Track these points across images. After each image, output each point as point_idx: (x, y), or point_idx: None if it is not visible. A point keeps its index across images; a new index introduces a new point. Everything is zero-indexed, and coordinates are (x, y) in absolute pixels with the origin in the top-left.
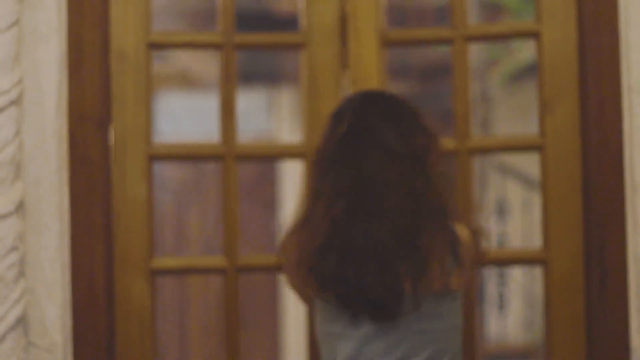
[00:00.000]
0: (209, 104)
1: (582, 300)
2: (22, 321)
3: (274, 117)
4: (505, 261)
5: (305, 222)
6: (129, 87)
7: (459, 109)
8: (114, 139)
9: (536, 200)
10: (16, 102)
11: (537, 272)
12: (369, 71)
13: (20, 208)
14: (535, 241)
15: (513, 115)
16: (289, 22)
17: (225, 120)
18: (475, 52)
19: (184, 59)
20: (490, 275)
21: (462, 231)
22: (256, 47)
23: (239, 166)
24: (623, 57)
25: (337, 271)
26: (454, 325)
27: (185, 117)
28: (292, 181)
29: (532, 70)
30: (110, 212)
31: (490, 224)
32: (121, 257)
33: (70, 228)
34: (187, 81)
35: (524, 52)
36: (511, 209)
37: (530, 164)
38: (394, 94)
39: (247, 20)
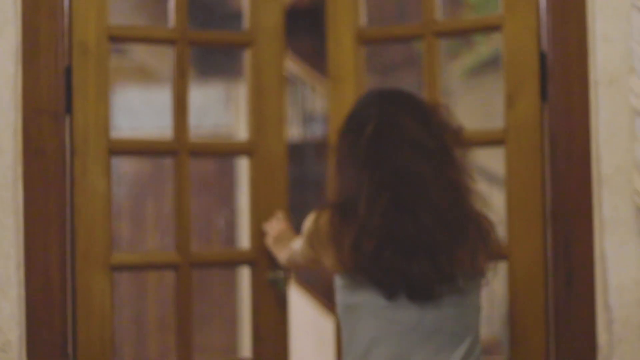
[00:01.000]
0: (166, 98)
1: (546, 298)
2: None
3: (232, 112)
4: None
5: (346, 211)
6: (91, 79)
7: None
8: (76, 132)
9: (497, 195)
10: None
11: (498, 268)
12: (346, 69)
13: None
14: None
15: (474, 110)
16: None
17: (178, 116)
18: None
19: (141, 53)
20: None
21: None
22: (207, 44)
23: (199, 160)
24: (590, 49)
25: (391, 260)
26: (480, 305)
27: (142, 111)
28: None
29: (493, 64)
30: (66, 207)
31: None
32: (82, 253)
33: (25, 223)
34: (144, 75)
35: (485, 45)
36: None
37: (491, 159)
38: (410, 92)
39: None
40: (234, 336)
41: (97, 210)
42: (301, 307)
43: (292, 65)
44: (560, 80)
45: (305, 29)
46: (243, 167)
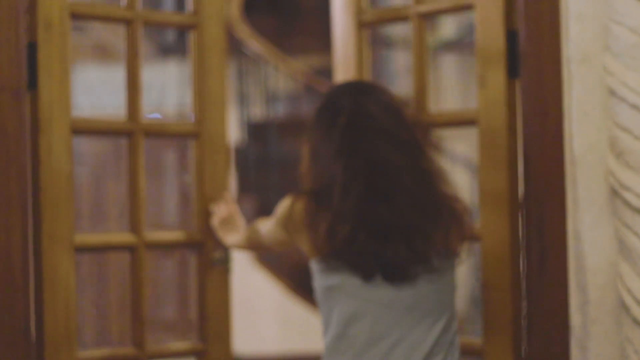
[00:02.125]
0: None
1: (518, 279)
2: None
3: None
4: None
5: (321, 198)
6: (55, 56)
7: (417, 84)
8: (41, 110)
9: (458, 176)
10: None
11: (472, 249)
12: (349, 54)
13: None
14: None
15: (435, 91)
16: None
17: (132, 96)
18: (400, 29)
19: (101, 31)
20: None
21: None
22: (158, 25)
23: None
24: (563, 27)
25: (365, 243)
26: (455, 285)
27: (102, 90)
28: None
29: (454, 46)
30: (27, 187)
31: None
32: (48, 234)
33: None
34: (104, 53)
35: (445, 28)
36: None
37: (450, 139)
38: (381, 85)
39: None
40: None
41: (62, 191)
42: (266, 289)
43: (255, 44)
44: (532, 58)
45: (267, 8)
46: None
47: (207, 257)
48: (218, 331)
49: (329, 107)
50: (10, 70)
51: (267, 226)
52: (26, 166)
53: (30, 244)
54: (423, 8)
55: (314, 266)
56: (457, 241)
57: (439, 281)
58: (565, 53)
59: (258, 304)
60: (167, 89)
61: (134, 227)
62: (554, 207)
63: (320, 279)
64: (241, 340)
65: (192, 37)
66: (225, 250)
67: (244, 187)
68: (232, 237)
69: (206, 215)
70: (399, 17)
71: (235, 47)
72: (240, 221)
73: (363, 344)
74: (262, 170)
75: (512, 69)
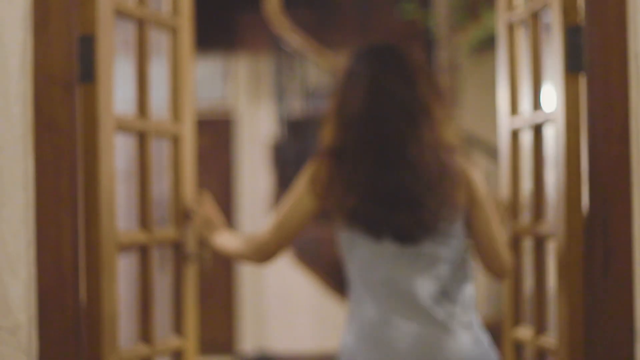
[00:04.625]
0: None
1: (583, 280)
2: None
3: (230, 85)
4: None
5: (336, 163)
6: (109, 50)
7: None
8: (100, 104)
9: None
10: None
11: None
12: None
13: None
14: None
15: (482, 85)
16: None
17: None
18: (442, 18)
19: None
20: None
21: (474, 172)
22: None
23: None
24: (630, 22)
25: (373, 212)
26: (462, 241)
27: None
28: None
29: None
30: (77, 182)
31: None
32: (101, 230)
33: (36, 199)
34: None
35: (492, 20)
36: None
37: (495, 134)
38: (400, 49)
39: None
40: (230, 312)
41: (112, 188)
42: (303, 287)
43: (294, 39)
44: (598, 54)
45: (306, 2)
46: (241, 142)
47: (183, 253)
48: (194, 326)
49: (348, 73)
50: (61, 63)
51: (283, 210)
52: (77, 161)
53: (81, 240)
54: None
55: (335, 226)
56: (461, 205)
57: (444, 241)
58: (632, 48)
59: (295, 301)
60: (205, 83)
61: (145, 224)
62: (619, 207)
63: (340, 233)
64: (278, 338)
65: (170, 38)
66: (204, 248)
67: (283, 183)
68: (222, 238)
69: (184, 213)
70: None
71: (273, 42)
72: (222, 220)
73: (378, 285)
74: (301, 166)
75: (574, 64)
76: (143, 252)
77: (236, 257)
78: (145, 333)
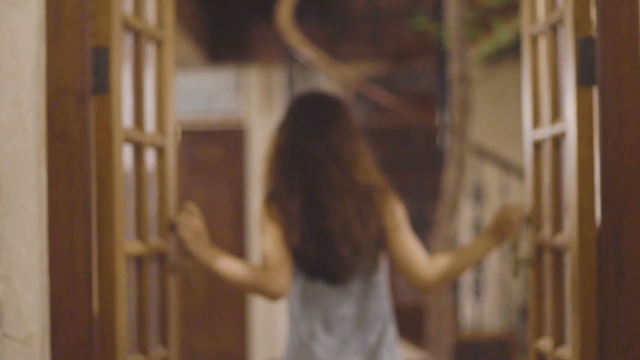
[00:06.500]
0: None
1: (596, 292)
2: None
3: (242, 97)
4: None
5: (279, 206)
6: (120, 61)
7: None
8: (114, 115)
9: (513, 185)
10: None
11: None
12: None
13: None
14: None
15: (493, 97)
16: None
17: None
18: (454, 31)
19: None
20: None
21: (388, 202)
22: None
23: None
24: None
25: (310, 254)
26: (379, 280)
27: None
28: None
29: (512, 51)
30: (91, 193)
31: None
32: (118, 242)
33: (49, 210)
34: None
35: (503, 32)
36: (488, 193)
37: (507, 147)
38: (322, 97)
39: None
40: (243, 324)
41: (122, 198)
42: None
43: (305, 51)
44: (610, 65)
45: (317, 14)
46: (253, 153)
47: (168, 264)
48: (177, 336)
49: (281, 125)
50: (75, 74)
51: (264, 244)
52: (90, 171)
53: (94, 250)
54: None
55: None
56: (377, 238)
57: (362, 279)
58: None
59: None
60: (217, 95)
61: (141, 235)
62: (632, 219)
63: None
64: None
65: (157, 50)
66: (187, 259)
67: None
68: (226, 264)
69: (168, 225)
70: None
71: (285, 54)
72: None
73: (319, 321)
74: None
75: (586, 76)
76: (139, 263)
77: (242, 285)
78: (142, 344)
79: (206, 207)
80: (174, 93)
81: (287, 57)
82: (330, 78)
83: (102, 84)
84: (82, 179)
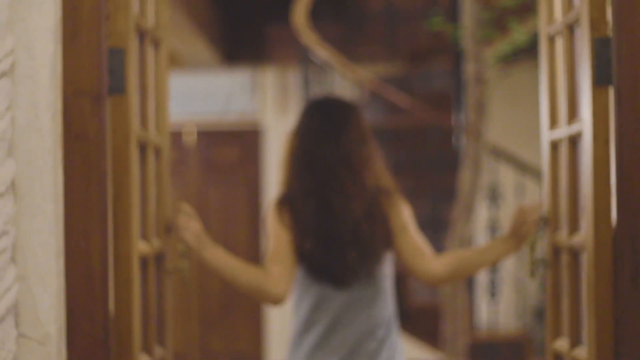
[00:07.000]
0: (192, 84)
1: (612, 292)
2: (12, 311)
3: (258, 98)
4: None
5: (292, 209)
6: (136, 62)
7: None
8: (131, 116)
9: (529, 185)
10: (7, 73)
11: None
12: None
13: (11, 189)
14: None
15: (508, 98)
16: None
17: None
18: (469, 31)
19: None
20: None
21: (396, 203)
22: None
23: (226, 146)
24: None
25: (319, 258)
26: (384, 285)
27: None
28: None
29: (527, 52)
30: (107, 193)
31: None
32: (134, 243)
33: (65, 210)
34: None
35: (519, 32)
36: (504, 194)
37: (522, 147)
38: (341, 101)
39: None
40: (259, 325)
41: (137, 199)
42: None
43: (321, 51)
44: (627, 67)
45: (333, 15)
46: (269, 153)
47: (165, 265)
48: (174, 337)
49: (297, 129)
50: (91, 75)
51: (271, 247)
52: (106, 172)
53: (110, 251)
54: None
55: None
56: (386, 240)
57: (369, 284)
58: None
59: None
60: (233, 96)
61: (145, 236)
62: None
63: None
64: None
65: (155, 50)
66: (183, 260)
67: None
68: (227, 263)
69: (167, 227)
70: None
71: (301, 55)
72: (209, 239)
73: (325, 326)
74: None
75: (602, 75)
76: (144, 263)
77: (243, 286)
78: (147, 344)
79: (222, 207)
80: (168, 93)
81: (303, 57)
82: (345, 79)
83: (119, 85)
84: (99, 179)
